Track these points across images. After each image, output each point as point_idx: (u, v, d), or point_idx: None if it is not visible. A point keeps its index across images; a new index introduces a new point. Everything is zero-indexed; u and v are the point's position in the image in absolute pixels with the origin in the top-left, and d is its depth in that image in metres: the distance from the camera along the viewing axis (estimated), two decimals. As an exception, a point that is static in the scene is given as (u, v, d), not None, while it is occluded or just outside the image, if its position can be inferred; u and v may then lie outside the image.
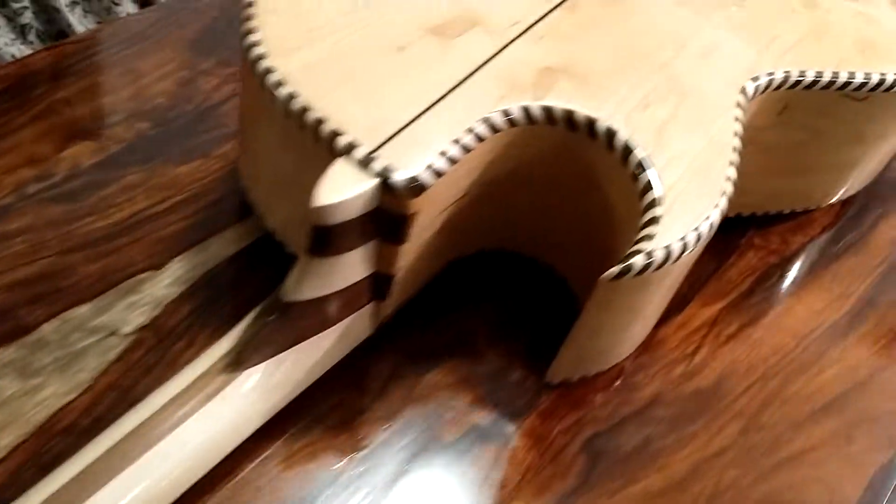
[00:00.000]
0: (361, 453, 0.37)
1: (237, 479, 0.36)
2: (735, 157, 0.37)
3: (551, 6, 0.41)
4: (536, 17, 0.40)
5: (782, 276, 0.49)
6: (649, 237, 0.34)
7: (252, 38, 0.37)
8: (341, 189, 0.33)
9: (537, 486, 0.38)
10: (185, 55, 0.52)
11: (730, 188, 0.36)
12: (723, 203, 0.36)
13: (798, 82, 0.42)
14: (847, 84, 0.42)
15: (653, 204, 0.35)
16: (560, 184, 0.40)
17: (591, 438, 0.40)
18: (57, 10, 1.17)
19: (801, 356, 0.45)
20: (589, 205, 0.40)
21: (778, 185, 0.49)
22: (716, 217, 0.35)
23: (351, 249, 0.35)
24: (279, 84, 0.35)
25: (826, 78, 0.42)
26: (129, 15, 0.54)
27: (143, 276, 0.41)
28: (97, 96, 0.49)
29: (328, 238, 0.34)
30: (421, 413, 0.39)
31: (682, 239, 0.34)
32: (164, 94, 0.50)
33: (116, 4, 1.18)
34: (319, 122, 0.34)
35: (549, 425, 0.40)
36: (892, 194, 0.56)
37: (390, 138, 0.34)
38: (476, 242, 0.43)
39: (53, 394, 0.36)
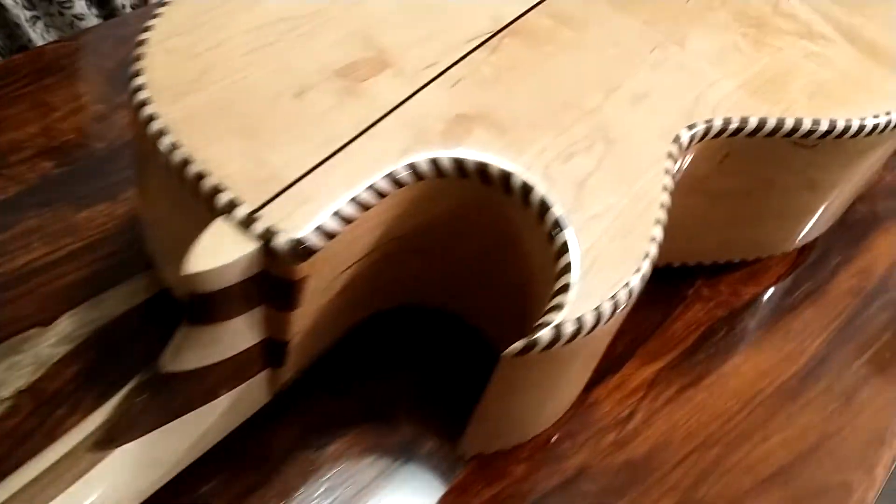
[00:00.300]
0: (252, 535, 0.34)
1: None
2: (662, 215, 0.34)
3: (471, 47, 0.38)
4: (453, 60, 0.37)
5: (730, 331, 0.46)
6: (559, 307, 0.31)
7: (138, 80, 0.34)
8: (217, 254, 0.29)
9: (446, 573, 0.34)
10: (102, 88, 0.49)
11: (654, 250, 0.33)
12: (645, 267, 0.33)
13: (740, 129, 0.38)
14: (794, 131, 0.39)
15: (567, 269, 0.32)
16: (476, 238, 0.37)
17: (508, 518, 0.36)
18: (17, 26, 1.14)
19: (744, 422, 0.42)
20: (508, 261, 0.37)
21: (726, 235, 0.46)
22: (636, 283, 0.32)
23: (234, 316, 0.32)
24: (161, 133, 0.32)
25: (771, 125, 0.39)
26: (46, 43, 0.50)
27: (28, 333, 0.38)
28: (3, 132, 0.46)
29: (206, 305, 0.30)
30: (321, 489, 0.36)
31: (597, 309, 0.31)
32: (75, 131, 0.47)
33: (79, 19, 1.15)
34: (200, 176, 0.31)
35: (463, 502, 0.36)
36: (853, 240, 0.53)
37: (277, 196, 0.31)
38: (390, 300, 0.40)
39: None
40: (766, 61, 0.42)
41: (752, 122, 0.39)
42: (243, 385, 0.34)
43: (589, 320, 0.31)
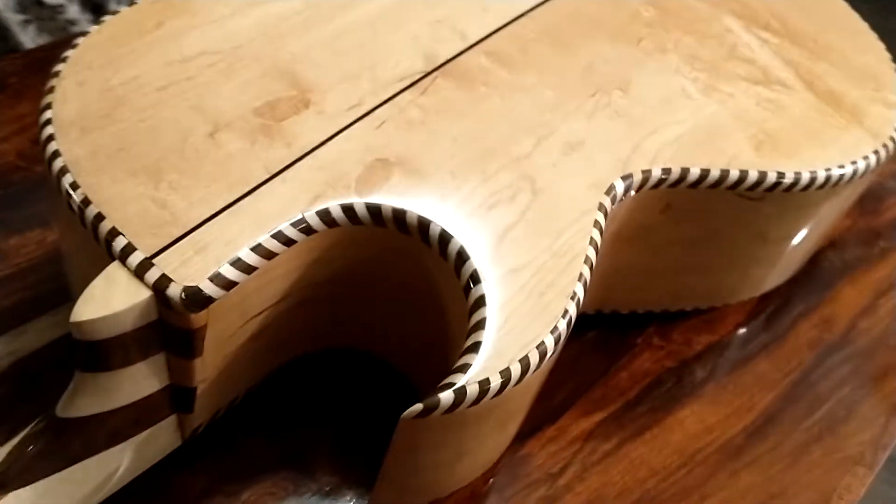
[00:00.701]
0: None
1: None
2: (587, 271, 0.33)
3: (400, 87, 0.37)
4: (380, 100, 0.36)
5: (678, 383, 0.44)
6: (464, 368, 0.30)
7: (46, 114, 0.33)
8: (107, 301, 0.28)
9: None
10: (49, 109, 0.49)
11: (573, 308, 0.32)
12: (562, 327, 0.31)
13: (680, 181, 0.37)
14: (738, 183, 0.38)
15: (480, 325, 0.31)
16: (395, 286, 0.35)
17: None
18: (7, 28, 1.14)
19: (683, 480, 0.40)
20: (427, 309, 0.35)
21: (674, 284, 0.44)
22: (550, 343, 0.31)
23: (131, 364, 0.30)
24: (63, 171, 0.31)
25: (713, 177, 0.37)
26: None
27: (-59, 366, 0.37)
28: (-61, 153, 0.45)
29: (99, 353, 0.29)
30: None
31: (505, 371, 0.30)
32: (14, 153, 0.46)
33: (72, 24, 1.15)
34: (99, 218, 0.30)
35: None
36: (818, 289, 0.51)
37: (174, 242, 0.30)
38: (310, 344, 0.39)
39: None
40: (714, 108, 0.40)
41: (694, 174, 0.37)
42: (147, 430, 0.33)
43: (496, 383, 0.29)
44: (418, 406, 0.29)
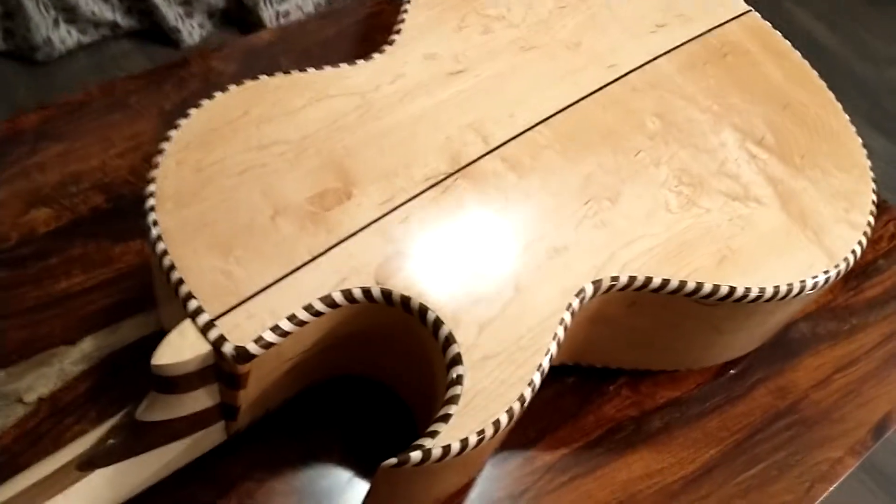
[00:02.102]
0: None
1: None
2: (546, 362, 0.42)
3: (425, 186, 0.45)
4: (408, 196, 0.45)
5: (636, 430, 0.53)
6: (433, 434, 0.39)
7: (150, 188, 0.43)
8: (178, 352, 0.39)
9: None
10: (157, 128, 0.59)
11: (529, 392, 0.41)
12: (516, 407, 0.41)
13: (643, 286, 0.45)
14: (694, 292, 0.46)
15: (454, 399, 0.40)
16: (399, 345, 0.45)
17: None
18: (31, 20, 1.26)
19: (619, 515, 0.50)
20: (423, 368, 0.45)
21: (641, 355, 0.53)
22: (504, 419, 0.40)
23: (192, 390, 0.41)
24: (158, 238, 0.42)
25: (672, 286, 0.45)
26: (123, 76, 0.60)
27: (57, 349, 0.49)
28: (68, 164, 0.56)
29: (170, 383, 0.40)
30: (251, 517, 0.46)
31: (464, 441, 0.39)
32: (127, 168, 0.57)
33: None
34: (180, 282, 0.40)
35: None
36: (781, 359, 0.58)
37: (232, 308, 0.40)
38: (330, 373, 0.49)
39: (-47, 451, 0.45)
40: (690, 223, 0.48)
41: (655, 283, 0.45)
42: (202, 431, 0.44)
43: (455, 448, 0.39)
44: (393, 460, 0.39)
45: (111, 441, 0.42)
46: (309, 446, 0.49)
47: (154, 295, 0.49)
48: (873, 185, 0.53)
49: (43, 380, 0.48)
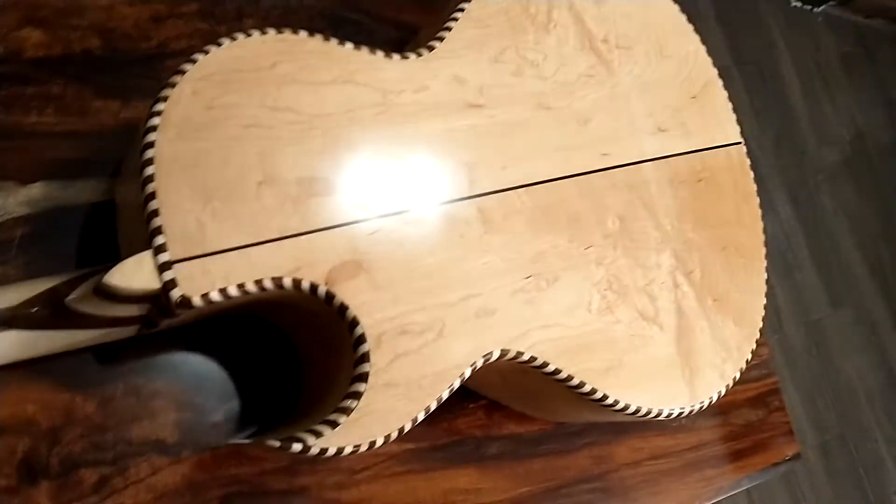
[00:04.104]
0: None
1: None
2: (433, 405, 0.47)
3: (399, 209, 0.49)
4: (384, 213, 0.48)
5: (474, 449, 0.61)
6: (317, 433, 0.44)
7: (158, 106, 0.44)
8: (130, 279, 0.42)
9: (169, 505, 0.50)
10: (176, -11, 0.58)
11: (409, 426, 0.47)
12: (394, 435, 0.46)
13: (539, 367, 0.51)
14: (576, 388, 0.52)
15: (345, 410, 0.45)
16: (325, 327, 0.49)
17: (231, 495, 0.52)
18: None
19: (429, 517, 0.58)
20: (332, 358, 0.50)
21: (513, 399, 0.60)
22: (380, 442, 0.46)
23: (128, 303, 0.44)
24: (149, 162, 0.43)
25: (561, 376, 0.52)
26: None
27: (5, 184, 0.50)
28: (78, -8, 0.55)
29: (111, 296, 0.43)
30: (126, 413, 0.50)
31: (340, 449, 0.45)
32: (132, 21, 0.56)
33: None
34: (155, 213, 0.43)
35: (208, 472, 0.51)
36: (614, 431, 0.67)
37: (193, 258, 0.43)
38: (249, 312, 0.53)
39: None
40: (599, 328, 0.53)
41: (549, 368, 0.51)
42: (119, 329, 0.48)
43: (331, 453, 0.44)
44: (276, 442, 0.44)
45: (35, 309, 0.45)
46: (203, 364, 0.53)
47: (118, 193, 0.51)
48: (754, 346, 0.60)
49: (-17, 209, 0.49)
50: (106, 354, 0.50)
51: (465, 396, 0.61)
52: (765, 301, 0.62)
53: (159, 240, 0.42)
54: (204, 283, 0.43)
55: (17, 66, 0.52)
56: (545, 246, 0.53)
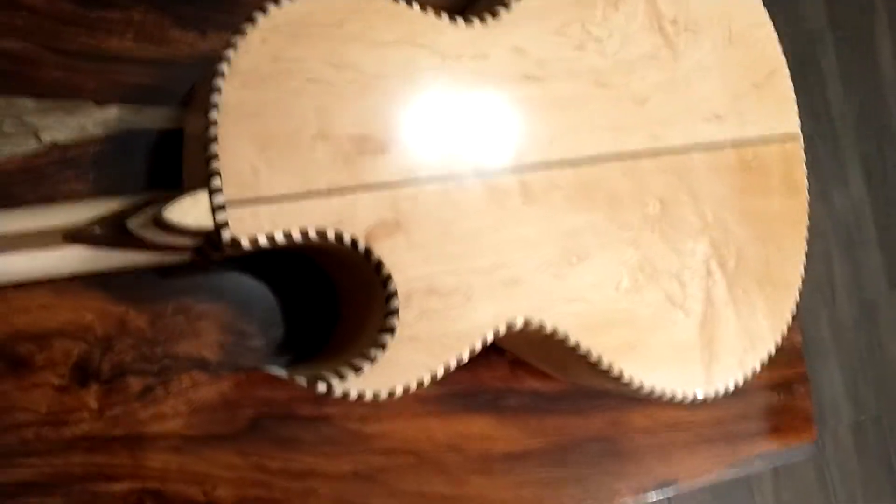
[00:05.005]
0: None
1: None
2: (453, 363, 0.50)
3: (444, 173, 0.50)
4: (426, 176, 0.50)
5: (493, 400, 0.64)
6: (342, 375, 0.48)
7: (229, 52, 0.46)
8: (185, 215, 0.45)
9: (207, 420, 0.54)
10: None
11: (428, 379, 0.50)
12: (413, 387, 0.49)
13: (559, 340, 0.53)
14: (594, 364, 0.54)
15: (370, 356, 0.48)
16: (357, 278, 0.52)
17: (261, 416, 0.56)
18: None
19: (444, 456, 0.61)
20: (364, 305, 0.53)
21: (535, 358, 0.62)
22: (399, 392, 0.49)
23: (183, 237, 0.48)
24: (214, 105, 0.46)
25: (580, 351, 0.54)
26: None
27: (84, 103, 0.53)
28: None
29: (168, 227, 0.46)
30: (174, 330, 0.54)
31: (361, 394, 0.48)
32: (214, -47, 0.58)
33: None
34: (213, 156, 0.46)
35: (243, 392, 0.56)
36: (632, 400, 0.69)
37: (246, 202, 0.46)
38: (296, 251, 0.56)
39: (-35, 156, 0.50)
40: (624, 307, 0.55)
41: (569, 342, 0.53)
42: (175, 256, 0.51)
43: (353, 396, 0.48)
44: (303, 380, 0.48)
45: (97, 228, 0.49)
46: (250, 292, 0.57)
47: (186, 124, 0.53)
48: (779, 340, 0.61)
49: (62, 126, 0.53)
50: (162, 274, 0.54)
51: (491, 349, 0.64)
52: (798, 297, 0.63)
53: (216, 182, 0.45)
54: (253, 226, 0.46)
55: (104, -11, 0.55)
56: (581, 224, 0.54)
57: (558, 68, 0.55)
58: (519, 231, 0.53)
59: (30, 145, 0.52)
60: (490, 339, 0.52)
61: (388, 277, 0.49)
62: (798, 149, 0.64)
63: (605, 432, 0.68)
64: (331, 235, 0.48)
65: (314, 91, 0.48)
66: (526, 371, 0.65)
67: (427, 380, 0.50)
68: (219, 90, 0.46)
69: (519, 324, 0.52)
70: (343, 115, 0.49)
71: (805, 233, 0.64)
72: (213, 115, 0.46)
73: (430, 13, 0.51)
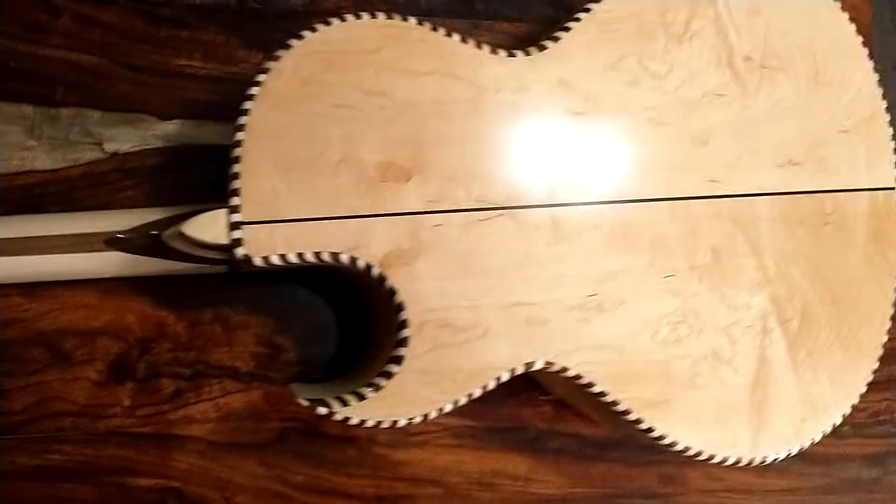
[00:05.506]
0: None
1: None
2: (463, 400, 0.49)
3: (472, 206, 0.49)
4: (452, 207, 0.49)
5: (535, 439, 0.62)
6: (345, 402, 0.48)
7: (262, 76, 0.48)
8: (203, 231, 0.47)
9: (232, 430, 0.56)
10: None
11: (434, 414, 0.49)
12: (417, 419, 0.48)
13: (585, 385, 0.51)
14: (622, 414, 0.51)
15: (374, 386, 0.48)
16: (376, 302, 0.52)
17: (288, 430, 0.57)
18: None
19: (466, 490, 0.60)
20: (383, 328, 0.52)
21: (578, 403, 0.60)
22: (401, 423, 0.48)
23: (205, 249, 0.49)
24: (241, 127, 0.47)
25: (606, 398, 0.51)
26: None
27: (148, 117, 0.56)
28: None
29: (189, 242, 0.48)
30: (210, 338, 0.56)
31: (363, 421, 0.48)
32: (288, -21, 0.60)
33: None
34: (236, 175, 0.47)
35: (272, 405, 0.57)
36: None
37: (263, 222, 0.47)
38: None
39: (33, 160, 0.54)
40: (660, 359, 0.52)
41: (595, 389, 0.51)
42: (208, 265, 0.53)
43: (354, 422, 0.48)
44: (305, 402, 0.48)
45: (137, 237, 0.51)
46: (289, 307, 0.58)
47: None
48: (848, 410, 0.56)
49: (125, 137, 0.56)
50: (205, 283, 0.56)
51: (537, 387, 0.62)
52: (876, 365, 0.57)
53: (235, 201, 0.47)
54: (267, 245, 0.47)
55: (177, 10, 0.58)
56: (618, 267, 0.52)
57: (607, 104, 0.52)
58: (547, 269, 0.51)
59: (93, 154, 0.55)
60: (506, 378, 0.50)
61: (401, 306, 0.48)
62: (892, 203, 0.58)
63: (658, 488, 0.64)
64: (345, 259, 0.48)
65: (342, 116, 0.48)
66: (572, 413, 0.63)
67: (433, 414, 0.49)
68: (247, 112, 0.47)
69: (539, 366, 0.50)
70: (370, 142, 0.49)
71: (892, 295, 0.57)
72: (239, 135, 0.47)
73: (471, 44, 0.50)
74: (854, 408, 0.65)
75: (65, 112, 0.55)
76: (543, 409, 0.62)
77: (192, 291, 0.56)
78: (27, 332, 0.54)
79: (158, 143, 0.57)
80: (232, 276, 0.55)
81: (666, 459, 0.64)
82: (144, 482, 0.55)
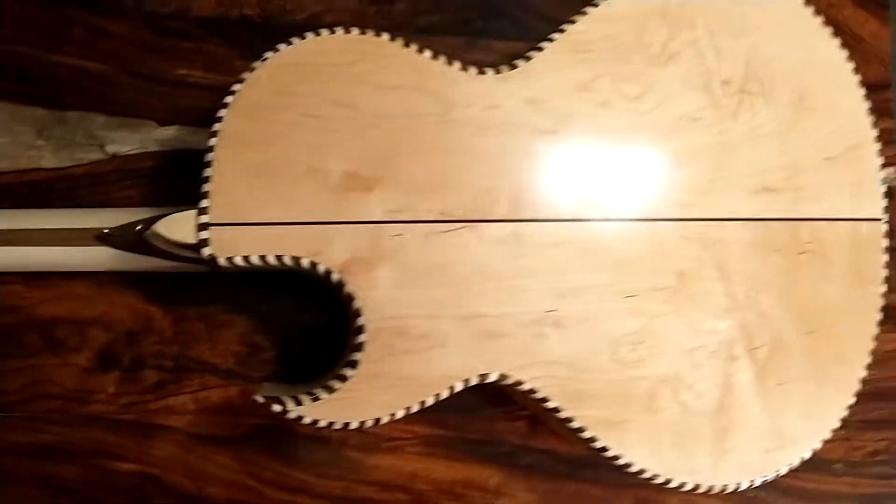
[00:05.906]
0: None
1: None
2: (415, 407, 0.50)
3: (433, 218, 0.51)
4: (413, 218, 0.51)
5: (507, 454, 0.62)
6: (297, 401, 0.50)
7: (237, 86, 0.50)
8: (172, 230, 0.50)
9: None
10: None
11: (386, 419, 0.50)
12: (369, 423, 0.50)
13: (539, 400, 0.52)
14: (576, 431, 0.52)
15: (328, 388, 0.50)
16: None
17: (263, 426, 0.59)
18: None
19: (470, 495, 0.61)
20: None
21: (545, 419, 0.60)
22: (354, 426, 0.50)
23: (178, 248, 0.52)
24: (216, 133, 0.50)
25: (561, 414, 0.51)
26: None
27: (147, 122, 0.60)
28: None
29: (158, 238, 0.51)
30: (194, 334, 0.59)
31: (315, 421, 0.49)
32: (290, -5, 0.63)
33: None
34: (207, 178, 0.50)
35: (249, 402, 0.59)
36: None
37: (229, 224, 0.50)
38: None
39: (41, 159, 0.58)
40: (615, 378, 0.52)
41: (550, 404, 0.51)
42: (189, 263, 0.56)
43: (306, 422, 0.49)
44: (260, 398, 0.50)
45: (123, 234, 0.55)
46: (273, 309, 0.60)
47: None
48: (818, 445, 0.55)
49: (126, 140, 0.59)
50: (192, 281, 0.59)
51: (515, 403, 0.62)
52: (852, 400, 0.55)
53: (205, 202, 0.49)
54: (233, 247, 0.49)
55: (183, 22, 0.61)
56: (580, 283, 0.52)
57: (576, 126, 0.53)
58: (507, 283, 0.51)
59: (95, 155, 0.59)
60: (459, 388, 0.51)
61: (358, 311, 0.50)
62: (878, 233, 0.56)
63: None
64: (305, 264, 0.50)
65: (312, 127, 0.51)
66: (548, 429, 0.63)
67: (385, 419, 0.50)
68: (220, 119, 0.50)
69: (493, 378, 0.51)
70: (337, 152, 0.51)
71: (873, 329, 0.56)
72: (212, 140, 0.50)
73: (441, 60, 0.52)
74: (851, 446, 0.64)
75: (71, 115, 0.59)
76: (519, 424, 0.63)
77: (180, 289, 0.59)
78: (26, 318, 0.58)
79: (156, 147, 0.60)
80: (218, 277, 0.58)
81: (643, 483, 0.64)
82: (125, 466, 0.58)
